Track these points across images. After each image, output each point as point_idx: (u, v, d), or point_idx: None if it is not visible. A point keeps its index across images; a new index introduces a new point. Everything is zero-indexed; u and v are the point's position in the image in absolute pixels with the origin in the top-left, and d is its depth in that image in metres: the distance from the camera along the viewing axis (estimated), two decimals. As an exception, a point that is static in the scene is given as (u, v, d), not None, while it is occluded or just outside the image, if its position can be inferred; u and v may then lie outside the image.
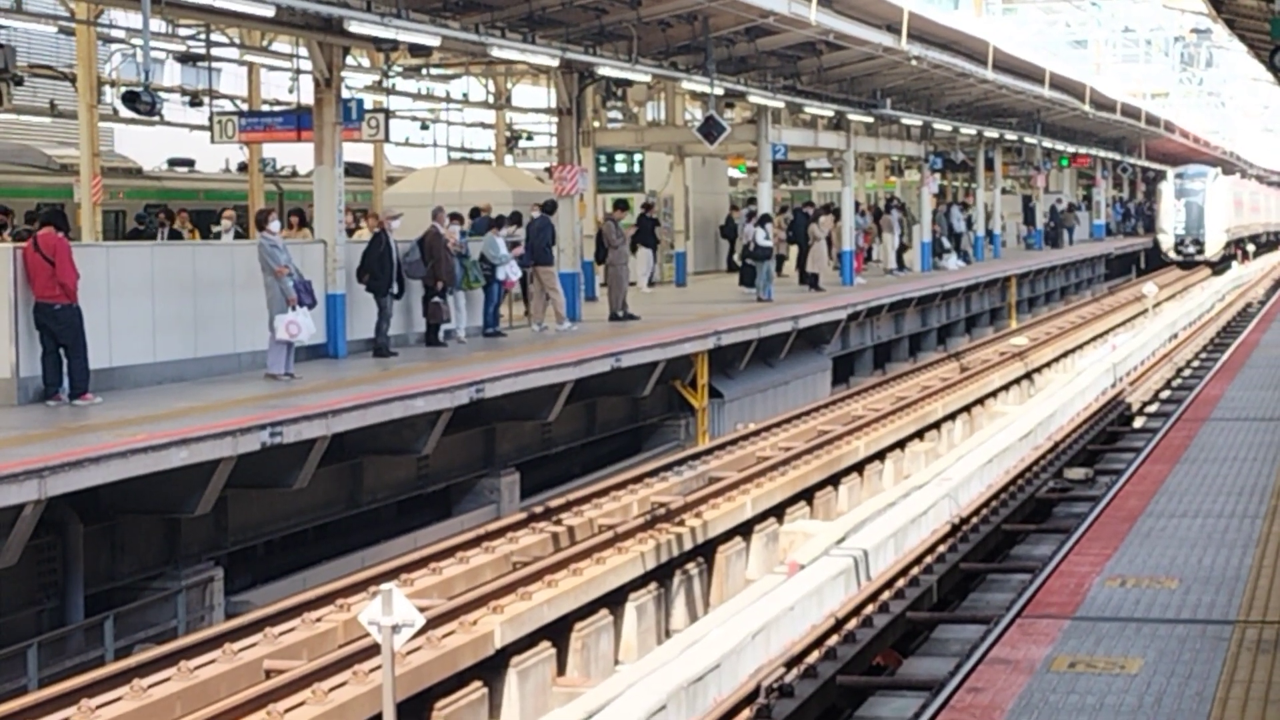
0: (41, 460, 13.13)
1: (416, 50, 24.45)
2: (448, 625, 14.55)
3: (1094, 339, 43.05)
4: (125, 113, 25.11)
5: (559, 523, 19.38)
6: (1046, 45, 59.38)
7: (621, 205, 31.23)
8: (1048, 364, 38.34)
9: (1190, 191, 68.38)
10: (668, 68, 30.12)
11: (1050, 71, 46.99)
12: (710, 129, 30.71)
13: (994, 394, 33.43)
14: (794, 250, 40.21)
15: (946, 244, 47.72)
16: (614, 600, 17.02)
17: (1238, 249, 75.71)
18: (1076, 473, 21.88)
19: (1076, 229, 67.67)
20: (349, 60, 28.57)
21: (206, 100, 32.58)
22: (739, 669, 12.86)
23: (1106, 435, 25.24)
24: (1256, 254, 78.03)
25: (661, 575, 18.21)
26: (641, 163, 36.59)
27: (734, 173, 49.96)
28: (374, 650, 12.42)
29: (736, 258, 39.85)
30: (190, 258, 20.50)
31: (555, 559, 17.06)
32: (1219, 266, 68.90)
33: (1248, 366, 25.43)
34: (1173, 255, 69.03)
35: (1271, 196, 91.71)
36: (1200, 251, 68.78)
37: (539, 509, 19.86)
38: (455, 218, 24.32)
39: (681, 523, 19.19)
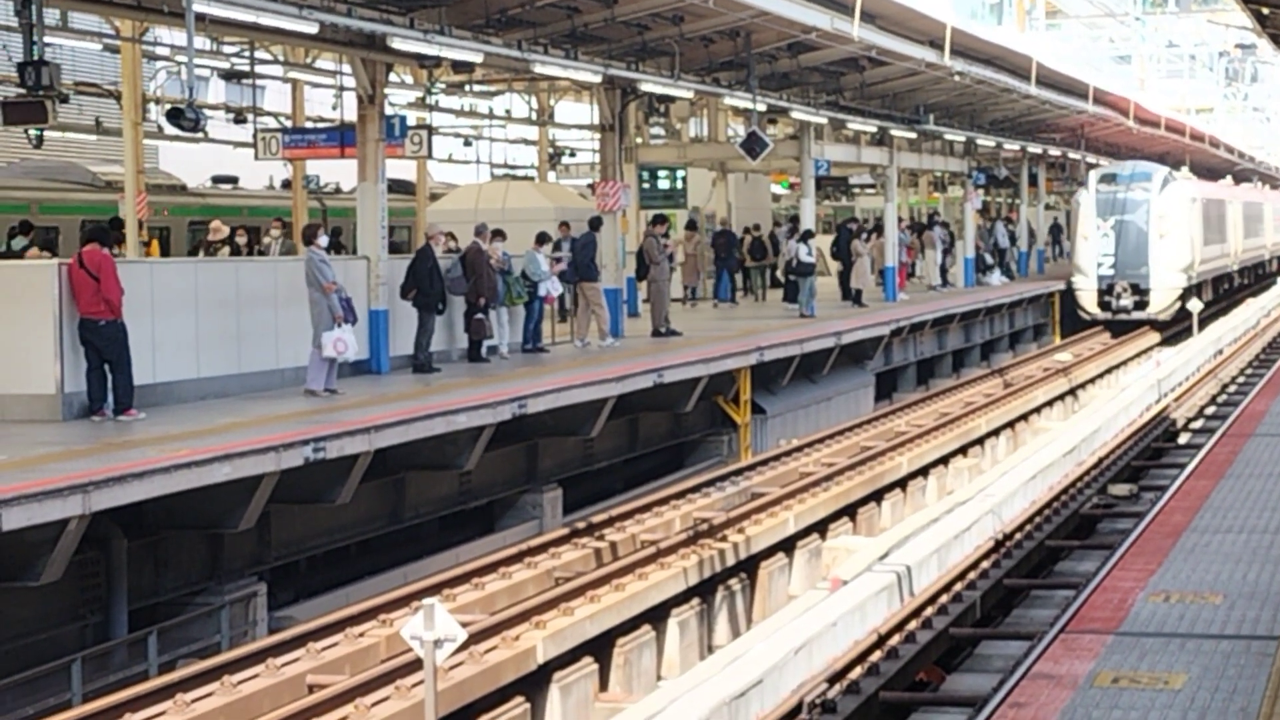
0: (86, 475, 13.19)
1: (459, 67, 24.53)
2: (490, 640, 14.56)
3: (1139, 355, 42.80)
4: (169, 130, 25.20)
5: (601, 538, 19.37)
6: (1090, 61, 59.19)
7: (660, 219, 31.17)
8: (1092, 380, 38.18)
9: (1125, 205, 43.34)
10: (710, 84, 30.14)
11: (1094, 87, 46.84)
12: (753, 145, 30.71)
13: (1038, 410, 33.31)
14: (836, 265, 40.19)
15: (990, 260, 47.61)
16: (656, 616, 17.01)
17: (1260, 281, 58.42)
18: (1121, 488, 21.76)
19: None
20: (392, 77, 28.66)
21: (250, 117, 32.74)
22: (781, 685, 12.81)
23: (1151, 451, 25.09)
24: None
25: (704, 591, 18.19)
26: (684, 179, 36.56)
27: (777, 189, 49.92)
28: (416, 665, 12.41)
29: (779, 274, 39.81)
30: (233, 273, 20.59)
31: (597, 574, 17.05)
32: (1172, 329, 44.71)
33: (1294, 382, 25.28)
34: (1094, 311, 44.19)
35: None
36: (1141, 305, 43.60)
37: (581, 524, 19.85)
38: (498, 234, 24.36)
39: (724, 538, 19.16)
